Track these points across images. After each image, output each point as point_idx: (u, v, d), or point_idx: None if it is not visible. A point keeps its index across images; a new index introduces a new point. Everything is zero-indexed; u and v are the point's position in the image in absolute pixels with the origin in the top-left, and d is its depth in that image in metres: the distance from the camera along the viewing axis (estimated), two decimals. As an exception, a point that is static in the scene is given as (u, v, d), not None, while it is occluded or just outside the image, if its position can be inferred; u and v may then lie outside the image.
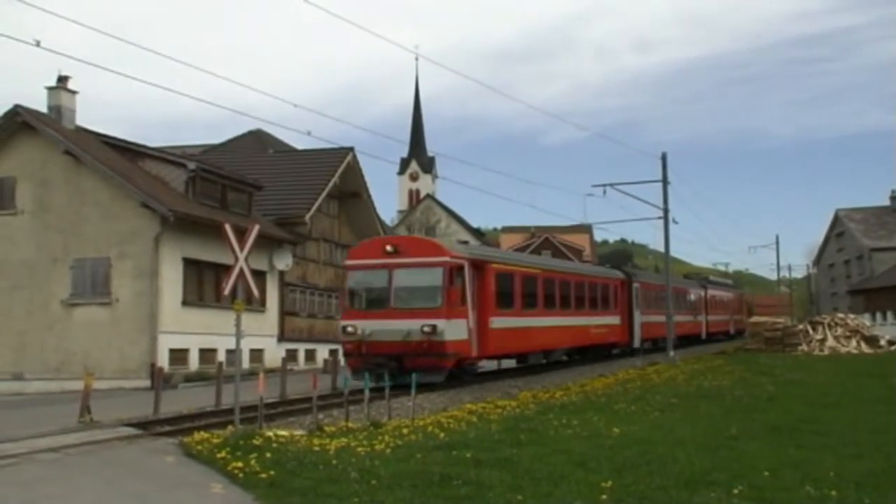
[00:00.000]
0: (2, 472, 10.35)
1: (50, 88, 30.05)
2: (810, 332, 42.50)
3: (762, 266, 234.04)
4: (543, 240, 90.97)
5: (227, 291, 12.90)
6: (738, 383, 23.03)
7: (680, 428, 13.95)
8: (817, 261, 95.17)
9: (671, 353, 35.00)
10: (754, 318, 52.26)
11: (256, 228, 13.38)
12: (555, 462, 10.55)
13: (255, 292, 13.25)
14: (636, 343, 38.31)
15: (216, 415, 16.39)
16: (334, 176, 38.65)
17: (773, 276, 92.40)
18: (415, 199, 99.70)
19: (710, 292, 54.52)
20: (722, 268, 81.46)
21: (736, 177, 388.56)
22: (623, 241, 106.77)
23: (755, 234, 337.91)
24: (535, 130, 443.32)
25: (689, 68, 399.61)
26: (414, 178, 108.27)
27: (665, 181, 37.19)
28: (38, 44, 14.47)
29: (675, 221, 38.43)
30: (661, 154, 37.31)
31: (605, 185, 36.57)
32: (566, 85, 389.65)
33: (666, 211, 37.28)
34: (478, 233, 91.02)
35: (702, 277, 61.57)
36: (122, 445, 12.64)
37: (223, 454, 11.00)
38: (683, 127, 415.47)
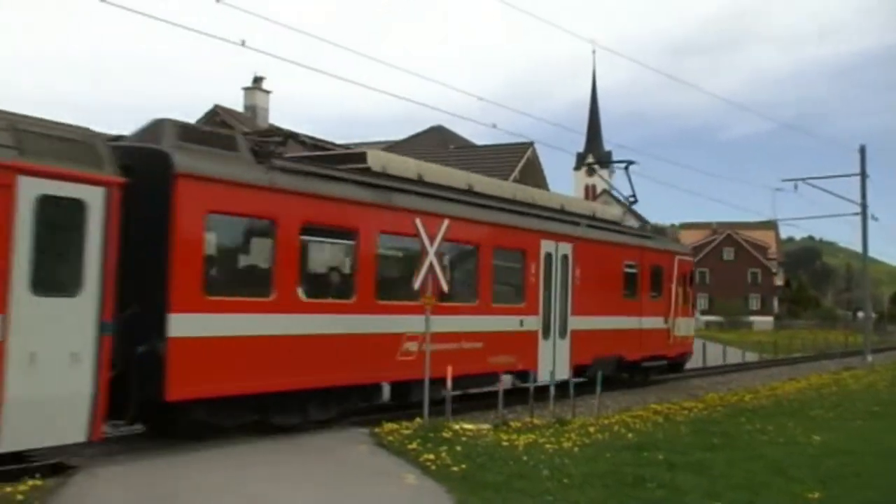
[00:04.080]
0: (207, 454, 10.94)
1: (246, 89, 31.64)
2: None
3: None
4: (725, 236, 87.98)
5: (417, 285, 13.13)
6: (947, 392, 21.50)
7: (887, 438, 13.17)
8: None
9: (868, 358, 33.11)
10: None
11: (446, 222, 13.56)
12: (751, 468, 10.21)
13: (445, 286, 13.41)
14: None
15: (403, 406, 16.68)
16: (514, 171, 38.57)
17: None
18: (591, 194, 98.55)
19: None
20: None
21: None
22: (811, 238, 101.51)
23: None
24: (713, 125, 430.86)
25: (882, 55, 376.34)
26: (590, 172, 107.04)
27: (864, 174, 35.12)
28: (242, 43, 15.12)
29: (874, 218, 36.19)
30: (860, 146, 35.37)
31: (796, 180, 35.16)
32: (746, 76, 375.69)
33: (864, 206, 35.16)
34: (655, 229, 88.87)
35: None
36: (315, 433, 13.05)
37: (414, 445, 11.23)
38: (878, 117, 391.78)
